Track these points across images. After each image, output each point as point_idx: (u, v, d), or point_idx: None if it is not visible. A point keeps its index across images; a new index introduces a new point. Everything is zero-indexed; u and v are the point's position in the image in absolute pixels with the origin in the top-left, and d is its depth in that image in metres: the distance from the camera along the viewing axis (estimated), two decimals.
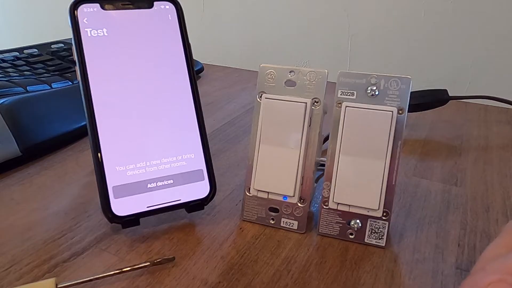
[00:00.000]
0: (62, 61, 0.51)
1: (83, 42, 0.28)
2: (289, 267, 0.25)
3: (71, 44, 0.28)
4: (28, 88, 0.42)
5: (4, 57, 0.51)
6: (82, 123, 0.41)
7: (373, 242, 0.27)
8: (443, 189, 0.34)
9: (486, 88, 0.59)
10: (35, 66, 0.49)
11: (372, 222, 0.27)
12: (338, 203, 0.27)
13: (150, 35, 0.30)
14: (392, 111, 0.26)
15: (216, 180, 0.29)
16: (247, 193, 0.29)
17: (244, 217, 0.30)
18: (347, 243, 0.27)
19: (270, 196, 0.28)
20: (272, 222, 0.29)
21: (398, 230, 0.29)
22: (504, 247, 0.19)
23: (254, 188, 0.29)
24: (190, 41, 0.31)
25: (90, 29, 0.28)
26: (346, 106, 0.27)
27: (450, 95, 0.46)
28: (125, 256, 0.26)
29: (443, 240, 0.28)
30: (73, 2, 0.28)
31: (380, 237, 0.27)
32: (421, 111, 0.46)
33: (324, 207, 0.28)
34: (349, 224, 0.27)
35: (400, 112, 0.26)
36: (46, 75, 0.47)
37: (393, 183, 0.26)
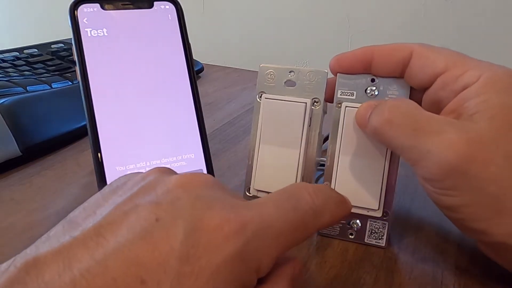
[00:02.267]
0: (62, 61, 0.51)
1: (83, 42, 0.28)
2: None
3: (71, 44, 0.28)
4: (28, 88, 0.42)
5: (4, 57, 0.51)
6: (82, 123, 0.41)
7: (373, 242, 0.27)
8: None
9: None
10: (35, 66, 0.49)
11: (372, 222, 0.27)
12: None
13: (150, 35, 0.30)
14: None
15: None
16: (247, 193, 0.29)
17: None
18: (347, 243, 0.27)
19: None
20: None
21: (398, 230, 0.29)
22: None
23: (254, 188, 0.29)
24: (190, 41, 0.31)
25: (90, 29, 0.28)
26: (345, 106, 0.27)
27: None
28: None
29: (443, 240, 0.28)
30: (73, 2, 0.28)
31: (380, 237, 0.27)
32: None
33: None
34: (349, 224, 0.27)
35: None
36: (46, 75, 0.47)
37: (393, 183, 0.26)
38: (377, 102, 0.25)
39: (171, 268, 0.15)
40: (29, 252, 0.15)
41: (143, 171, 0.20)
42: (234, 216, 0.16)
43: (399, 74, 0.26)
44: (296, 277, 0.19)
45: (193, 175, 0.18)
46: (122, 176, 0.20)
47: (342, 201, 0.21)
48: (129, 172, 0.21)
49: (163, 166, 0.20)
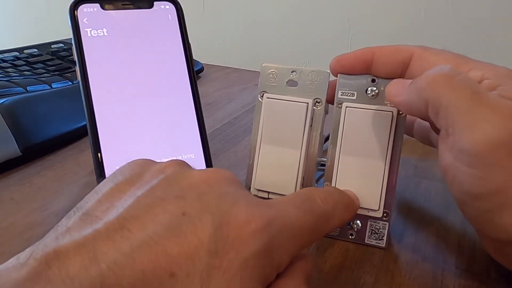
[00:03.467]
0: (62, 61, 0.51)
1: (83, 42, 0.28)
2: None
3: (71, 44, 0.28)
4: (28, 88, 0.42)
5: (4, 57, 0.51)
6: (82, 123, 0.41)
7: (373, 243, 0.27)
8: (443, 189, 0.34)
9: None
10: (35, 66, 0.49)
11: (372, 223, 0.27)
12: None
13: (150, 35, 0.30)
14: (392, 112, 0.26)
15: None
16: None
17: None
18: (347, 244, 0.27)
19: (271, 196, 0.28)
20: None
21: (398, 230, 0.29)
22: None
23: (254, 188, 0.29)
24: (190, 41, 0.31)
25: (90, 29, 0.28)
26: (346, 107, 0.27)
27: None
28: None
29: (443, 240, 0.28)
30: (73, 2, 0.28)
31: (380, 238, 0.27)
32: None
33: None
34: (349, 224, 0.27)
35: (400, 112, 0.26)
36: (46, 75, 0.47)
37: (394, 184, 0.26)
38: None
39: (201, 260, 0.15)
40: (49, 244, 0.15)
41: (155, 160, 0.20)
42: (259, 212, 0.17)
43: (399, 75, 0.26)
44: (310, 273, 0.19)
45: (215, 171, 0.19)
46: (131, 163, 0.20)
47: (350, 203, 0.22)
48: (136, 160, 0.20)
49: (178, 159, 0.21)
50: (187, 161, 0.29)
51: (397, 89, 0.24)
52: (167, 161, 0.20)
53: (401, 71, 0.25)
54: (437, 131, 0.27)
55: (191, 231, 0.15)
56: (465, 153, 0.20)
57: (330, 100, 0.28)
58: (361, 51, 0.26)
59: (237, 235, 0.16)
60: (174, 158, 0.29)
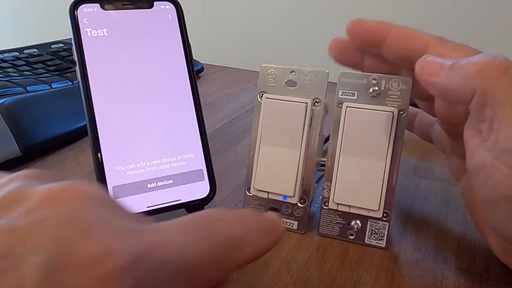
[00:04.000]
0: (62, 61, 0.51)
1: (83, 42, 0.28)
2: (289, 267, 0.25)
3: (71, 44, 0.28)
4: (28, 88, 0.42)
5: (4, 57, 0.51)
6: (82, 123, 0.41)
7: (373, 243, 0.27)
8: (443, 189, 0.34)
9: None
10: (35, 66, 0.49)
11: (372, 223, 0.27)
12: (338, 204, 0.27)
13: (150, 35, 0.30)
14: (392, 112, 0.26)
15: (216, 180, 0.29)
16: (247, 193, 0.29)
17: None
18: (347, 244, 0.27)
19: (270, 196, 0.28)
20: None
21: (398, 230, 0.29)
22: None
23: (254, 188, 0.29)
24: (190, 41, 0.31)
25: (90, 29, 0.28)
26: (347, 107, 0.27)
27: None
28: None
29: (443, 240, 0.28)
30: (73, 2, 0.28)
31: (381, 238, 0.27)
32: None
33: (324, 207, 0.28)
34: (349, 224, 0.27)
35: (401, 112, 0.26)
36: (46, 75, 0.47)
37: (394, 184, 0.26)
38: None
39: None
40: None
41: (3, 174, 0.15)
42: (120, 244, 0.12)
43: (409, 62, 0.24)
44: None
45: (70, 185, 0.14)
46: None
47: (270, 228, 0.17)
48: None
49: (36, 169, 0.15)
50: (186, 161, 0.29)
51: (433, 68, 0.22)
52: (13, 175, 0.15)
53: (412, 60, 0.24)
54: (448, 130, 0.26)
55: (11, 282, 0.11)
56: (504, 152, 0.19)
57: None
58: (378, 24, 0.25)
59: (79, 281, 0.11)
60: (174, 158, 0.29)
